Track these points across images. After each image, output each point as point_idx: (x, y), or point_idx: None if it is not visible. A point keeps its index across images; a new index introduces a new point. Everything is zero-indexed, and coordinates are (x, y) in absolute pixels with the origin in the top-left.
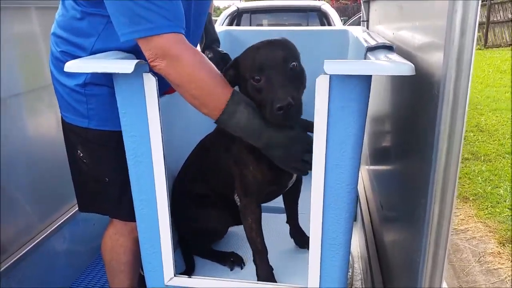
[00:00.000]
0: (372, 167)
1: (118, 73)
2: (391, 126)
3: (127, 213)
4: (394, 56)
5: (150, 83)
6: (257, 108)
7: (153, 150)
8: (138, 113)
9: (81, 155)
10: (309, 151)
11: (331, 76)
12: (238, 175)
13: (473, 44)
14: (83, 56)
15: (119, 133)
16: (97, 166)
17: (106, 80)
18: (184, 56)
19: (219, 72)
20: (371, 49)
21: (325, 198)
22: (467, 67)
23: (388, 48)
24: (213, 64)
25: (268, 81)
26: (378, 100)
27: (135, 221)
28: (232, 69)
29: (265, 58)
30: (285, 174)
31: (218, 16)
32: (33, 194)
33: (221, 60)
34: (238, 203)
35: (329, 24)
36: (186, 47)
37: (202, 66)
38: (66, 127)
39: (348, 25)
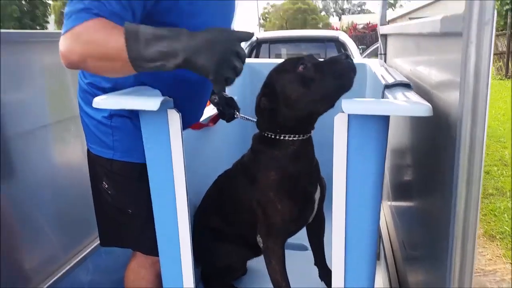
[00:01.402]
0: (394, 203)
1: (144, 110)
2: (412, 160)
3: (148, 247)
4: (411, 95)
5: (174, 119)
6: (308, 102)
7: (176, 185)
8: (162, 148)
9: (106, 186)
10: (239, 55)
11: (349, 115)
12: (263, 215)
13: (487, 89)
14: (107, 87)
15: (143, 165)
16: (120, 197)
17: (131, 113)
18: (70, 48)
19: (112, 25)
20: (388, 86)
21: (347, 239)
22: (483, 111)
23: (406, 86)
24: (107, 22)
25: (317, 65)
26: (399, 132)
27: (157, 255)
28: (266, 93)
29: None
30: (308, 209)
31: None
32: (58, 225)
33: (226, 104)
34: (261, 245)
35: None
36: (72, 39)
37: (91, 44)
38: (92, 158)
39: (366, 54)
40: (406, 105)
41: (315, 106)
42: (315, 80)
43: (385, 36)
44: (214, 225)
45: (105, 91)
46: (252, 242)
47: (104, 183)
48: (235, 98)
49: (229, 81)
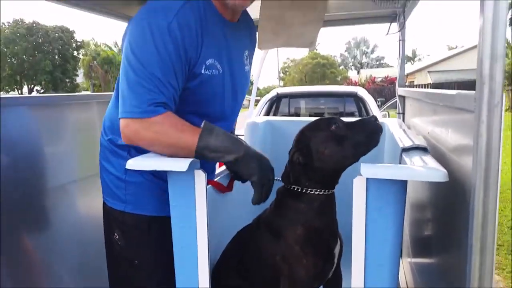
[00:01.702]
0: (413, 260)
1: (173, 171)
2: (430, 217)
3: None
4: (428, 159)
5: (200, 179)
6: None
7: (198, 241)
8: (188, 206)
9: (117, 237)
10: (273, 174)
11: (367, 179)
12: (287, 271)
13: (498, 164)
14: (124, 144)
15: (151, 218)
16: (128, 247)
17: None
18: (140, 133)
19: (184, 123)
20: (406, 149)
21: None
22: (494, 184)
23: (423, 149)
24: (177, 119)
25: (348, 124)
26: (419, 189)
27: None
28: (300, 149)
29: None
30: (329, 263)
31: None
32: (80, 276)
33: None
34: None
35: (365, 109)
36: (142, 126)
37: (162, 134)
38: (107, 210)
39: (385, 107)
40: (423, 171)
41: (344, 162)
42: (347, 138)
43: (403, 97)
44: (233, 283)
45: (122, 147)
46: None
47: (115, 234)
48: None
49: (265, 189)
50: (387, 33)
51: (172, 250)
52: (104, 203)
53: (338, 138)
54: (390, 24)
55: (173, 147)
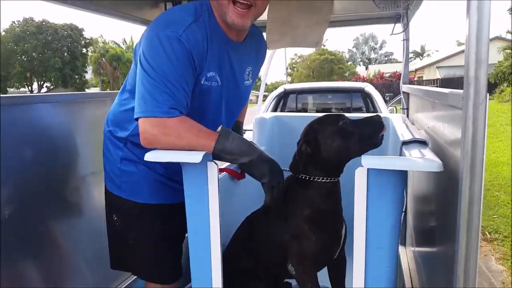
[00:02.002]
0: (417, 249)
1: (187, 162)
2: (431, 207)
3: (147, 273)
4: (426, 151)
5: (212, 170)
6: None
7: (211, 227)
8: (201, 195)
9: (115, 218)
10: (282, 177)
11: (368, 169)
12: (297, 248)
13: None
14: (121, 136)
15: (143, 205)
16: (124, 228)
17: (141, 159)
18: (159, 138)
19: (200, 127)
20: (406, 143)
21: (366, 279)
22: (479, 175)
23: (422, 143)
24: (193, 123)
25: (354, 122)
26: (421, 180)
27: (156, 281)
28: (308, 141)
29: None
30: (336, 243)
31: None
32: (95, 264)
33: None
34: (292, 273)
35: (373, 104)
36: (161, 131)
37: (181, 138)
38: (107, 193)
39: (392, 103)
40: (418, 161)
41: (349, 155)
42: (353, 134)
43: (407, 94)
44: (245, 265)
45: (119, 139)
46: (283, 280)
47: (114, 215)
48: (263, 148)
49: (276, 190)
50: (391, 33)
51: (161, 232)
52: (105, 186)
53: (344, 133)
54: (394, 25)
55: (189, 148)
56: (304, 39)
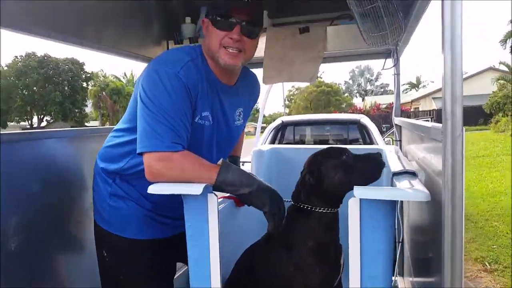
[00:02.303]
0: (415, 279)
1: (188, 194)
2: (426, 236)
3: None
4: (415, 182)
5: (212, 201)
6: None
7: (211, 257)
8: (201, 226)
9: (105, 254)
10: (283, 206)
11: (360, 199)
12: (302, 280)
13: (462, 185)
14: (111, 169)
15: (132, 240)
16: (114, 264)
17: (130, 196)
18: (164, 172)
19: (202, 161)
20: (396, 174)
21: None
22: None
23: (412, 173)
24: (195, 157)
25: (356, 157)
26: (417, 209)
27: None
28: (311, 172)
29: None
30: (337, 272)
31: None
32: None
33: None
34: None
35: (369, 136)
36: (166, 165)
37: (185, 172)
38: (96, 228)
39: (388, 133)
40: (408, 191)
41: (350, 187)
42: (354, 168)
43: (399, 127)
44: None
45: (109, 175)
46: None
47: (104, 251)
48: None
49: (277, 218)
50: (383, 68)
51: (151, 268)
52: (94, 221)
53: (347, 167)
54: (385, 60)
55: (193, 182)
56: (299, 75)
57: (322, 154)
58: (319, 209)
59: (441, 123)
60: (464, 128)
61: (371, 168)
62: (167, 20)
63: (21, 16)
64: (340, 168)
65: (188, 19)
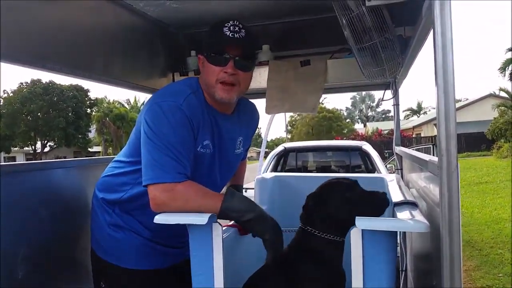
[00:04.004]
0: None
1: (194, 224)
2: (429, 265)
3: None
4: (415, 213)
5: (217, 231)
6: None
7: (216, 286)
8: (206, 256)
9: (103, 285)
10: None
11: (362, 230)
12: None
13: (459, 216)
14: (111, 199)
15: (131, 271)
16: None
17: (130, 226)
18: (169, 203)
19: (205, 190)
20: (397, 204)
21: None
22: (457, 235)
23: (412, 204)
24: (199, 186)
25: (362, 193)
26: (419, 239)
27: None
28: (317, 203)
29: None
30: None
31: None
32: None
33: None
34: None
35: (371, 162)
36: (170, 196)
37: (189, 201)
38: (94, 258)
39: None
40: (408, 222)
41: (353, 222)
42: (359, 204)
43: (400, 156)
44: None
45: (109, 205)
46: None
47: (101, 282)
48: (265, 207)
49: (276, 246)
50: (382, 99)
51: None
52: (92, 251)
53: (352, 203)
54: (385, 91)
55: (199, 211)
56: (301, 105)
57: (330, 187)
58: (327, 235)
59: None
60: (459, 164)
61: (375, 206)
62: (173, 53)
63: (35, 53)
64: (346, 204)
65: (193, 52)
